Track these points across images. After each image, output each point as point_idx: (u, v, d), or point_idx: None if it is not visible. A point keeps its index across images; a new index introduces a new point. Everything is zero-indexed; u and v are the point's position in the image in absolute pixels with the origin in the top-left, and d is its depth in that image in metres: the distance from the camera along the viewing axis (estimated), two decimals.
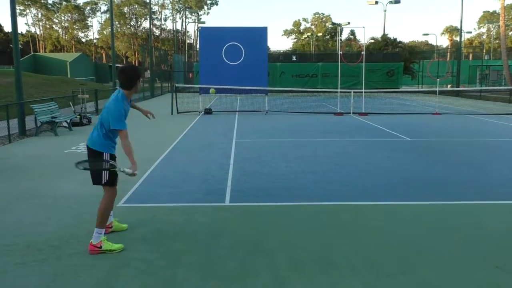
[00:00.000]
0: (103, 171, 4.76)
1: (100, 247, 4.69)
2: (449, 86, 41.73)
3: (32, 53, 67.94)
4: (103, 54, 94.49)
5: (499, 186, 7.45)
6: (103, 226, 4.78)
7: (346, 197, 6.81)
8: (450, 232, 5.28)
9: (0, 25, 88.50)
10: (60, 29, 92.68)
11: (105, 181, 4.79)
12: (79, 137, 12.74)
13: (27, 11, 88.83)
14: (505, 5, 34.09)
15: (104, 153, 4.78)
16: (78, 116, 15.58)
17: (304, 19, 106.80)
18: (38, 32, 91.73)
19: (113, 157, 4.88)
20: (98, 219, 4.75)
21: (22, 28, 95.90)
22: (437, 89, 23.25)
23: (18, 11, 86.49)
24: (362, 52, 22.23)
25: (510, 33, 71.27)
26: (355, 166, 9.03)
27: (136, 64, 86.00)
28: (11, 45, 13.78)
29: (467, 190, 7.24)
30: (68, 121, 14.57)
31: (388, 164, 9.20)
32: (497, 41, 70.58)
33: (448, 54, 64.09)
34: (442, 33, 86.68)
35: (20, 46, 15.76)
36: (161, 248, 4.80)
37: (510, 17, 70.57)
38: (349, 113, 19.69)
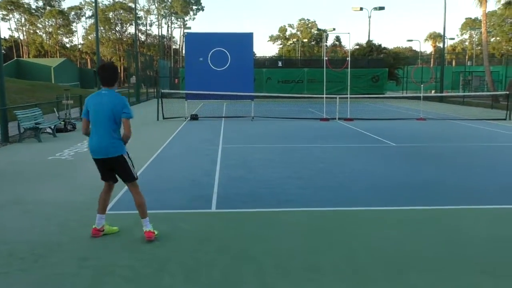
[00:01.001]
0: (131, 167, 5.18)
1: (154, 232, 5.15)
2: (433, 91, 42.22)
3: (15, 58, 67.13)
4: (88, 59, 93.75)
5: (483, 191, 7.53)
6: (147, 215, 5.20)
7: (333, 202, 6.82)
8: (436, 237, 5.31)
9: None
10: (44, 34, 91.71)
11: (136, 176, 5.24)
12: (63, 144, 12.59)
13: (10, 15, 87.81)
14: (486, 12, 34.67)
15: (124, 155, 5.11)
16: (63, 122, 15.40)
17: (290, 25, 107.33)
18: (21, 37, 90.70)
19: (129, 156, 5.21)
20: (143, 211, 5.18)
21: (5, 33, 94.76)
22: (421, 94, 23.49)
23: (0, 15, 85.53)
24: (347, 58, 22.37)
25: (491, 40, 72.41)
26: (341, 171, 9.06)
27: (122, 70, 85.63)
28: None
29: (451, 195, 7.30)
30: (52, 127, 14.38)
31: (374, 169, 9.25)
32: (479, 48, 71.69)
33: (432, 60, 64.90)
34: (426, 39, 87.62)
35: (3, 51, 15.56)
36: (146, 255, 4.75)
37: (492, 23, 71.73)
38: (335, 118, 19.78)
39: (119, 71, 5.18)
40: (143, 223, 5.19)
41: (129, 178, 5.19)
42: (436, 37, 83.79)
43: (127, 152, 5.18)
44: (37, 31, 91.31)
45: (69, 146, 12.08)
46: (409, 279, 4.23)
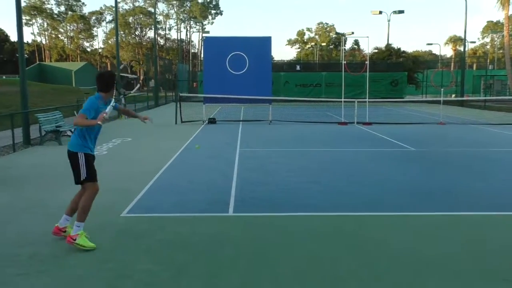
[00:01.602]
0: (81, 167, 5.09)
1: (75, 239, 4.96)
2: (453, 96, 41.68)
3: (37, 62, 68.39)
4: (108, 63, 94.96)
5: (506, 197, 7.38)
6: (83, 220, 5.09)
7: (351, 207, 6.76)
8: (457, 244, 5.22)
9: (6, 35, 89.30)
10: (66, 39, 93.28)
11: (84, 177, 5.10)
12: None
13: (33, 21, 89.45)
14: (509, 15, 34.11)
15: (79, 153, 5.09)
16: None
17: (308, 29, 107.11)
18: (43, 42, 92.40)
19: (89, 157, 5.16)
20: (80, 213, 5.09)
21: (28, 38, 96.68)
22: (441, 98, 23.18)
23: (24, 21, 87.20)
24: (366, 62, 22.24)
25: None
26: (360, 176, 8.99)
27: (141, 73, 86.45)
28: (17, 55, 13.87)
29: (473, 201, 7.18)
30: (73, 130, 14.56)
31: (393, 174, 9.16)
32: (501, 51, 70.50)
33: (452, 63, 64.12)
34: (446, 43, 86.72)
35: (25, 55, 15.85)
36: (165, 259, 4.77)
37: None
38: (353, 122, 19.65)
39: (113, 80, 5.33)
40: (74, 226, 5.05)
41: (77, 178, 5.15)
42: (456, 40, 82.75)
43: (86, 157, 5.11)
44: (59, 35, 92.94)
45: None
46: (429, 286, 4.15)
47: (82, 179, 5.12)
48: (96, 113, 5.00)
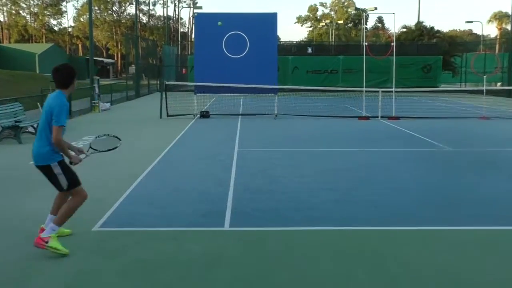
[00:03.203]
0: (58, 177, 5.39)
1: (47, 242, 5.20)
2: (499, 84, 41.57)
3: None
4: (80, 45, 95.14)
5: None
6: (61, 225, 5.40)
7: (373, 220, 6.73)
8: (501, 263, 5.18)
9: None
10: (29, 15, 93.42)
11: (66, 185, 5.42)
12: None
13: None
14: None
15: (51, 165, 5.36)
16: None
17: (322, 4, 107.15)
18: (1, 19, 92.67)
19: (62, 163, 5.44)
20: (60, 217, 5.38)
21: None
22: (484, 88, 23.10)
23: None
24: (392, 43, 22.18)
25: None
26: (384, 182, 8.97)
27: (119, 57, 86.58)
28: None
29: None
30: (35, 126, 14.56)
31: (424, 180, 9.13)
32: None
33: (497, 45, 63.91)
34: (490, 21, 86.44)
35: None
36: (146, 282, 4.75)
37: None
38: (377, 117, 19.64)
39: (73, 74, 5.62)
40: (49, 227, 5.33)
41: (59, 188, 5.51)
42: (502, 17, 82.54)
43: (59, 161, 5.41)
44: (20, 11, 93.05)
45: None
46: None
47: (65, 188, 5.46)
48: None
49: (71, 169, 5.51)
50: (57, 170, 5.37)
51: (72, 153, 5.52)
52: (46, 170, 5.41)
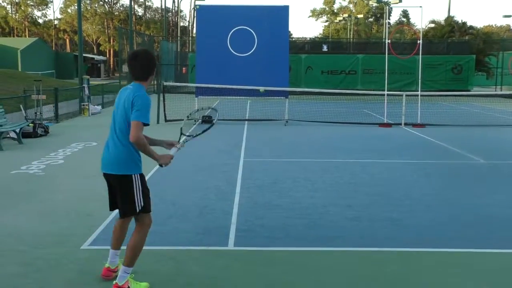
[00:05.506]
0: (136, 194, 4.93)
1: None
2: None
3: None
4: (67, 40, 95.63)
5: None
6: (133, 265, 5.01)
7: (395, 241, 6.76)
8: None
9: None
10: (9, 6, 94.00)
11: (141, 206, 4.98)
12: (32, 153, 12.80)
13: None
14: None
15: (133, 176, 4.99)
16: (31, 125, 15.66)
17: None
18: None
19: (143, 178, 5.09)
20: (129, 256, 4.96)
21: None
22: None
23: None
24: (418, 41, 22.20)
25: None
26: (406, 198, 8.98)
27: (111, 54, 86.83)
28: None
29: None
30: (17, 130, 14.63)
31: (453, 196, 9.13)
32: None
33: None
34: None
35: None
36: None
37: None
38: (400, 124, 19.61)
39: (155, 62, 5.27)
40: (121, 272, 5.00)
41: (129, 209, 5.06)
42: None
43: (140, 176, 5.09)
44: (0, 1, 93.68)
45: (39, 157, 12.28)
46: None
47: (138, 210, 5.01)
48: None
49: (147, 188, 5.14)
50: (137, 184, 4.98)
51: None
52: (123, 183, 4.98)
